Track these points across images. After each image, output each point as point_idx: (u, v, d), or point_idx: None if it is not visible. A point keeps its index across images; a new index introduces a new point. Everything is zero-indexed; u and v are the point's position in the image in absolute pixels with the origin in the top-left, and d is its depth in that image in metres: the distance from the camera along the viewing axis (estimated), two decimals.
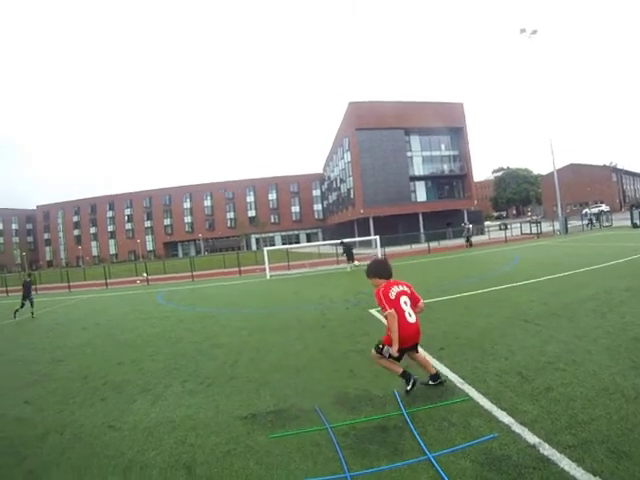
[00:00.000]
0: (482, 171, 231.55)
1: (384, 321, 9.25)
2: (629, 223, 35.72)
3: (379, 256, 26.43)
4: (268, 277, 24.15)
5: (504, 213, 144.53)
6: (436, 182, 62.79)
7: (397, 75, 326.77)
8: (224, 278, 28.11)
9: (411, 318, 4.81)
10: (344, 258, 25.90)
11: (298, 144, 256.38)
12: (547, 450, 3.42)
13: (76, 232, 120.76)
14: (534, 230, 40.06)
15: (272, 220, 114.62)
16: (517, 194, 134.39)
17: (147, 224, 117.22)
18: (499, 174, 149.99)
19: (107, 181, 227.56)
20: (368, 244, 34.55)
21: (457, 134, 61.02)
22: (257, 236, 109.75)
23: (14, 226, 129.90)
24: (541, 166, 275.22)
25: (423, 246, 37.22)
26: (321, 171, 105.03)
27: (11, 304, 18.46)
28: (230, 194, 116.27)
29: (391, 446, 3.83)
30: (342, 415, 4.64)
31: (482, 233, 50.83)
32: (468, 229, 36.18)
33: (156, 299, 19.00)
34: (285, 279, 23.31)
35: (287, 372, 6.36)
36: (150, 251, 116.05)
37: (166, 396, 5.87)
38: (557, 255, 20.31)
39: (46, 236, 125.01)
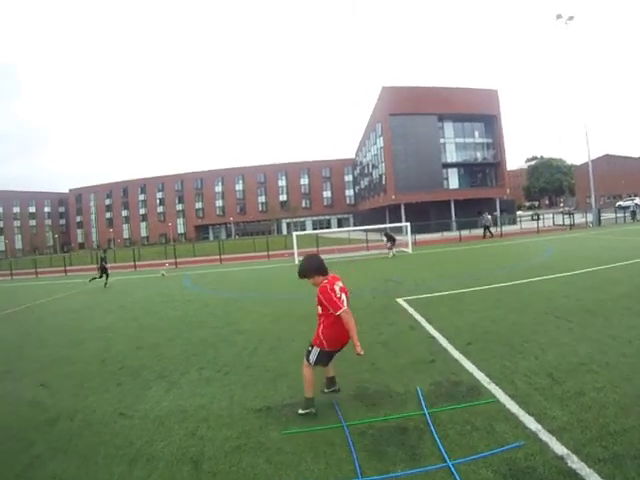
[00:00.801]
0: (515, 160, 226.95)
1: (410, 310, 9.11)
2: None
3: (409, 247, 26.47)
4: (296, 262, 23.96)
5: (536, 203, 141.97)
6: (469, 170, 61.88)
7: (433, 60, 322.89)
8: (253, 262, 28.20)
9: None
10: (383, 244, 26.74)
11: (331, 129, 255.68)
12: (575, 463, 3.11)
13: (108, 215, 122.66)
14: (567, 221, 39.08)
15: (303, 205, 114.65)
16: (550, 184, 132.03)
17: (179, 207, 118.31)
18: (532, 163, 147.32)
19: (141, 165, 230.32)
20: (399, 230, 34.10)
21: (491, 121, 59.67)
22: (288, 221, 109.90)
23: (47, 209, 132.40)
24: (575, 156, 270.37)
25: (454, 234, 36.73)
26: (353, 156, 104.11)
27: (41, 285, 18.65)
28: (262, 178, 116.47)
29: (409, 450, 3.58)
30: (360, 412, 4.41)
31: (514, 223, 49.94)
32: (487, 219, 34.11)
33: (182, 282, 19.02)
34: None
35: None
36: (181, 234, 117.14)
37: (181, 384, 5.72)
38: (591, 248, 19.62)
39: (78, 219, 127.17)
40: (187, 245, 54.53)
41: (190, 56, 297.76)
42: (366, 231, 34.90)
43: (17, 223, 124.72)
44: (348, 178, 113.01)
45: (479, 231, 34.78)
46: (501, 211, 54.93)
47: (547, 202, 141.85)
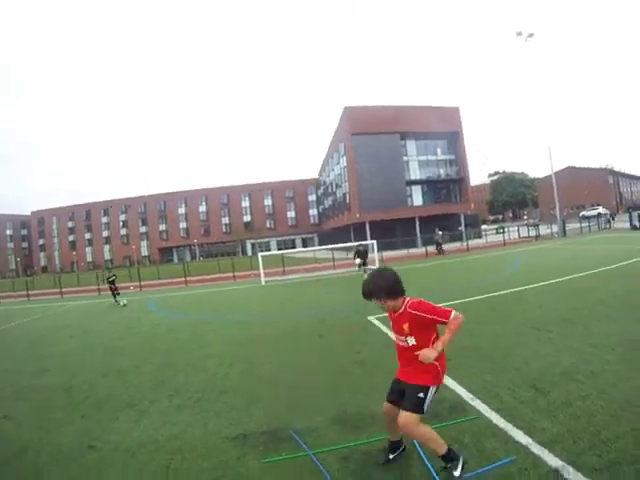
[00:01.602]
0: (478, 175, 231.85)
1: (384, 328, 9.01)
2: (628, 225, 35.82)
3: (377, 264, 25.90)
4: (263, 283, 23.78)
5: (500, 216, 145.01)
6: (432, 186, 62.88)
7: (393, 79, 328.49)
8: (219, 284, 27.75)
9: None
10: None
11: (294, 150, 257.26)
12: (572, 475, 3.08)
13: (71, 238, 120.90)
14: (532, 233, 40.06)
15: (268, 225, 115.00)
16: (513, 197, 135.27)
17: (142, 229, 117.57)
18: (495, 178, 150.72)
19: (102, 187, 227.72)
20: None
21: (453, 138, 61.01)
22: (253, 241, 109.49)
23: (9, 232, 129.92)
24: (537, 169, 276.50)
25: (420, 250, 37.17)
26: (317, 176, 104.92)
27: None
28: (225, 199, 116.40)
29: (398, 472, 3.47)
30: (342, 436, 4.26)
31: (479, 237, 50.63)
32: (438, 235, 35.18)
33: (147, 306, 18.60)
34: (281, 285, 22.97)
35: (282, 387, 5.95)
36: (145, 256, 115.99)
37: (151, 412, 5.48)
38: (559, 258, 20.09)
39: (41, 242, 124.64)
40: (151, 268, 53.65)
41: (150, 75, 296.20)
42: (332, 250, 34.84)
43: None
44: (312, 198, 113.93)
45: (445, 247, 35.15)
46: (466, 226, 55.75)
47: (511, 215, 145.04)
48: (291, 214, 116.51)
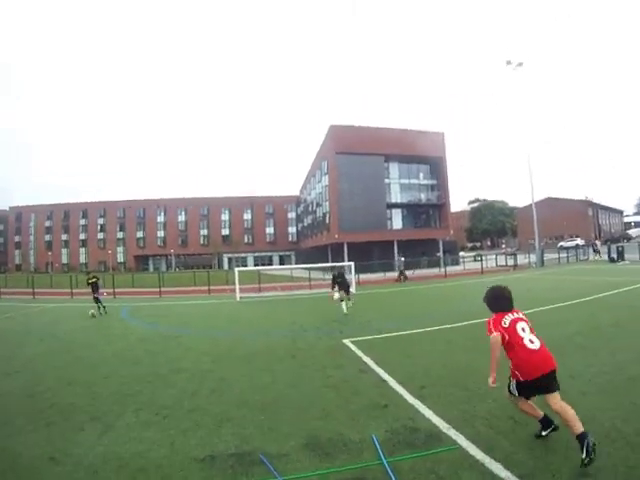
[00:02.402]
0: (458, 201, 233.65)
1: (359, 352, 8.96)
2: (606, 257, 36.20)
3: (353, 287, 25.06)
4: (238, 299, 23.54)
5: (478, 244, 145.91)
6: (413, 210, 63.13)
7: (379, 101, 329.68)
8: (193, 297, 27.46)
9: (533, 345, 4.33)
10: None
11: (277, 165, 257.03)
12: None
13: (47, 237, 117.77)
14: (510, 262, 40.42)
15: (246, 240, 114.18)
16: (492, 225, 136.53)
17: (119, 235, 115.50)
18: (475, 205, 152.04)
19: (83, 188, 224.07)
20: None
21: (436, 163, 61.41)
22: (230, 255, 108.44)
23: None
24: (517, 199, 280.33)
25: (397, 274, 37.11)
26: (298, 194, 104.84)
27: None
28: (205, 210, 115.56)
29: None
30: (314, 463, 4.15)
31: (457, 263, 50.94)
32: (401, 262, 35.57)
33: (120, 314, 18.36)
34: (255, 302, 22.76)
35: (252, 408, 5.84)
36: (121, 263, 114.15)
37: (117, 427, 5.35)
38: (537, 289, 20.15)
39: (17, 239, 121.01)
40: (126, 275, 52.98)
41: (130, 80, 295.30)
42: (309, 269, 34.73)
43: None
44: (291, 215, 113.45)
45: (420, 272, 35.32)
46: (444, 252, 56.02)
47: (489, 243, 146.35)
48: (270, 230, 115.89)
